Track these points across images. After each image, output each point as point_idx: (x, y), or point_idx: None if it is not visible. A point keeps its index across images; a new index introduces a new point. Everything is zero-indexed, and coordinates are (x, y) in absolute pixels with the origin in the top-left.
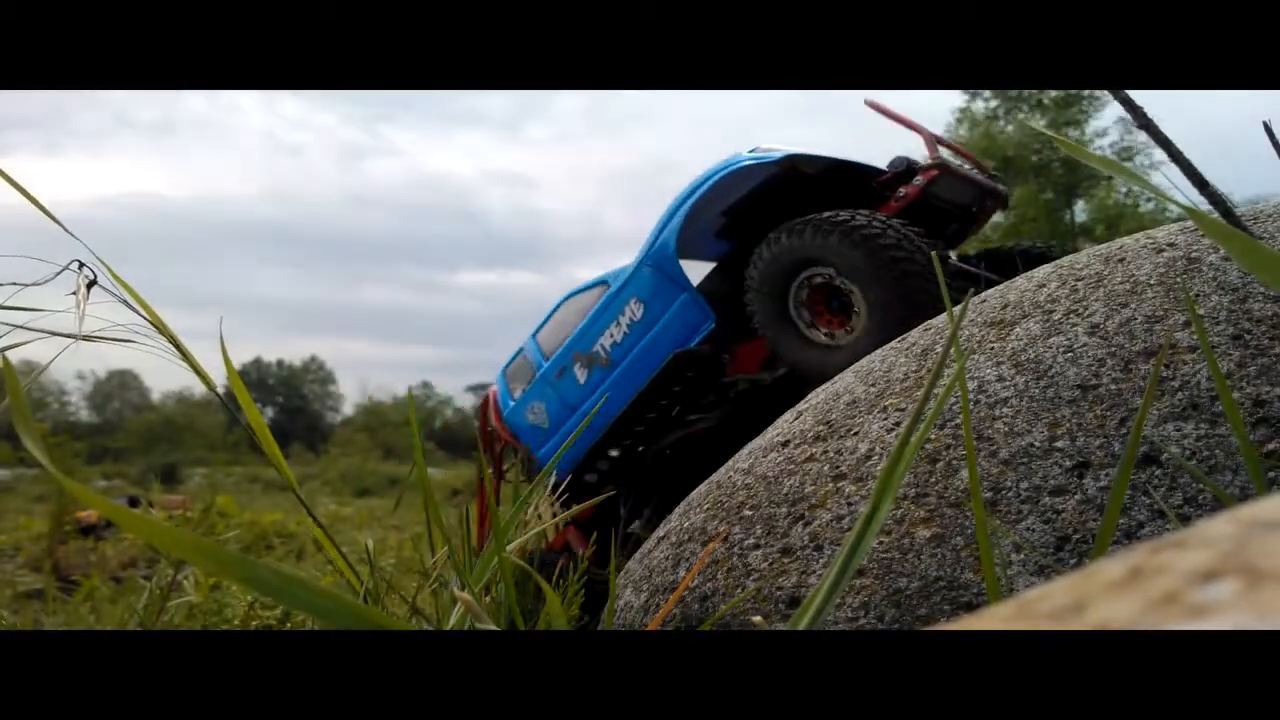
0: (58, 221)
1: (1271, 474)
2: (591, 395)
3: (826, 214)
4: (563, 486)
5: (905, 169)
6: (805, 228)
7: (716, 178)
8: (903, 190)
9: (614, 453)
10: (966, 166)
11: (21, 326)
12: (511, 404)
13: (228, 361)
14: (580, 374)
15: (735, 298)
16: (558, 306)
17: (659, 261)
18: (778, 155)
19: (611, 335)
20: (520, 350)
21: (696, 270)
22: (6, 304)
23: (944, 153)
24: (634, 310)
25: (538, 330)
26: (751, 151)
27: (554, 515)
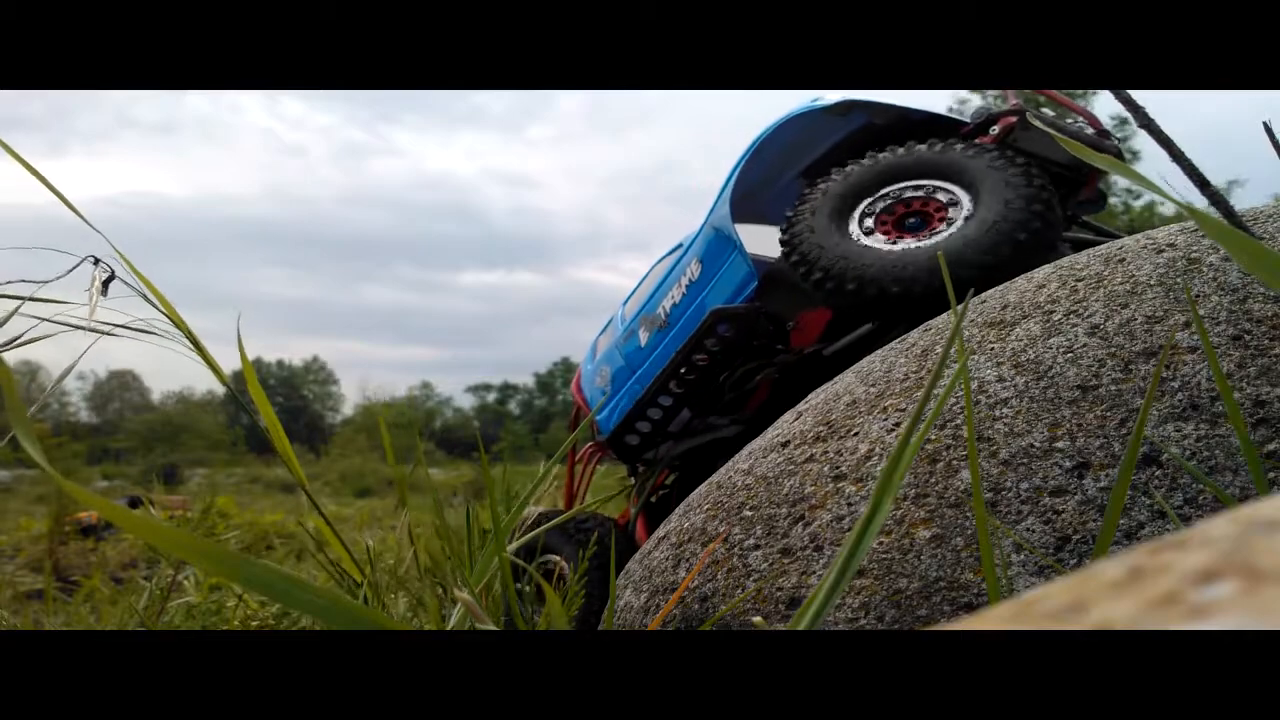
0: (84, 218)
1: (1272, 475)
2: (649, 358)
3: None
4: (607, 446)
5: (985, 119)
6: (926, 141)
7: (775, 127)
8: (979, 142)
9: (655, 414)
10: (1069, 119)
11: (47, 320)
12: (588, 368)
13: (244, 359)
14: (643, 336)
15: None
16: (648, 272)
17: (717, 219)
18: (841, 101)
19: (672, 297)
20: (611, 318)
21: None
22: (27, 300)
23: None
24: (693, 271)
25: (628, 298)
26: (815, 101)
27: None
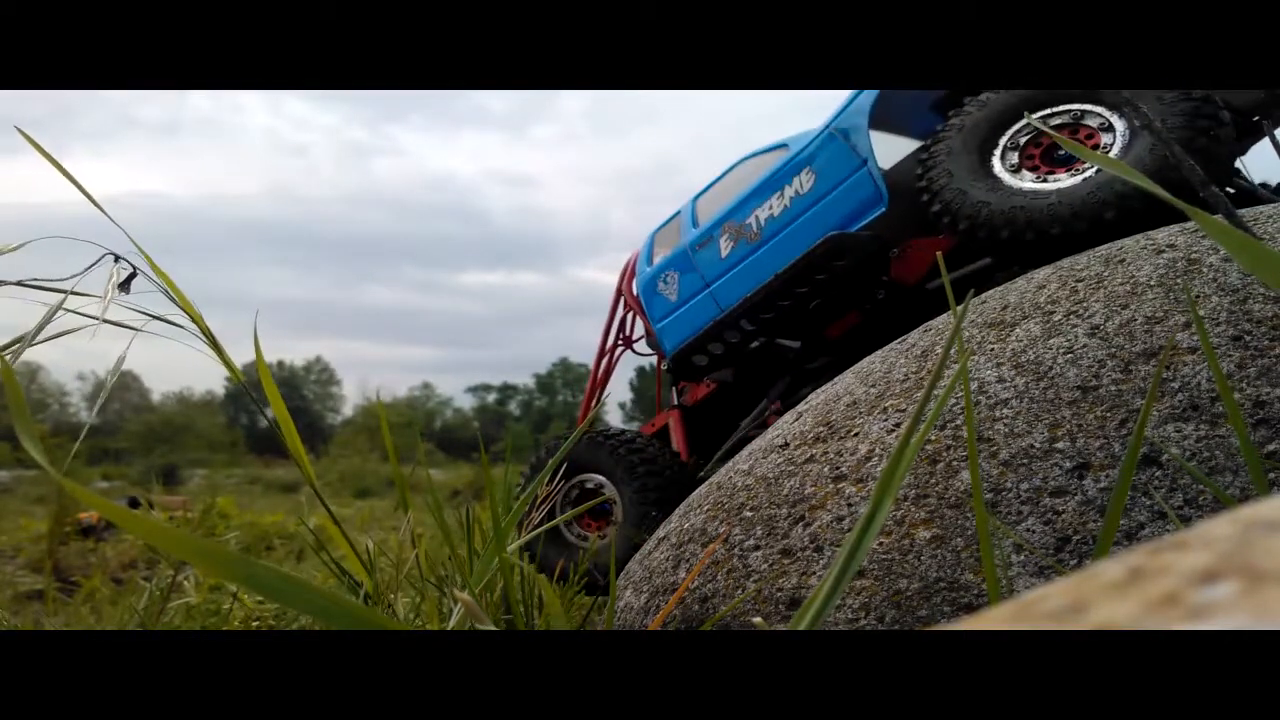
0: (109, 216)
1: (1272, 475)
2: (729, 272)
3: None
4: (666, 366)
5: None
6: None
7: None
8: None
9: (732, 338)
10: None
11: (75, 312)
12: (648, 269)
13: (260, 357)
14: (725, 247)
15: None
16: (731, 168)
17: (848, 125)
18: None
19: (771, 207)
20: (676, 213)
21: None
22: (69, 294)
23: None
24: (803, 181)
25: (700, 193)
26: None
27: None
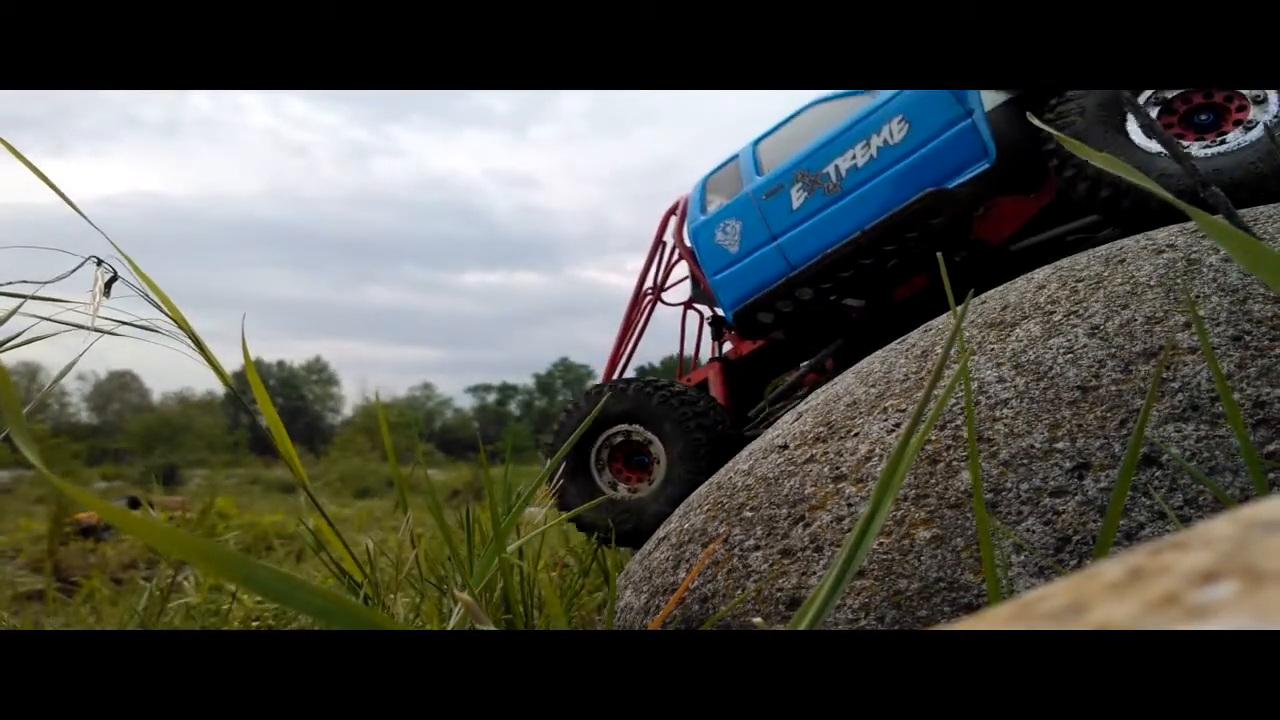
0: (86, 218)
1: (1272, 475)
2: (802, 225)
3: None
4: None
5: None
6: None
7: None
8: None
9: (805, 295)
10: None
11: (48, 319)
12: (701, 217)
13: (248, 359)
14: (796, 197)
15: (1018, 144)
16: (799, 111)
17: None
18: None
19: (853, 157)
20: (733, 157)
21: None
22: (28, 299)
23: None
24: (894, 130)
25: (762, 137)
26: None
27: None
